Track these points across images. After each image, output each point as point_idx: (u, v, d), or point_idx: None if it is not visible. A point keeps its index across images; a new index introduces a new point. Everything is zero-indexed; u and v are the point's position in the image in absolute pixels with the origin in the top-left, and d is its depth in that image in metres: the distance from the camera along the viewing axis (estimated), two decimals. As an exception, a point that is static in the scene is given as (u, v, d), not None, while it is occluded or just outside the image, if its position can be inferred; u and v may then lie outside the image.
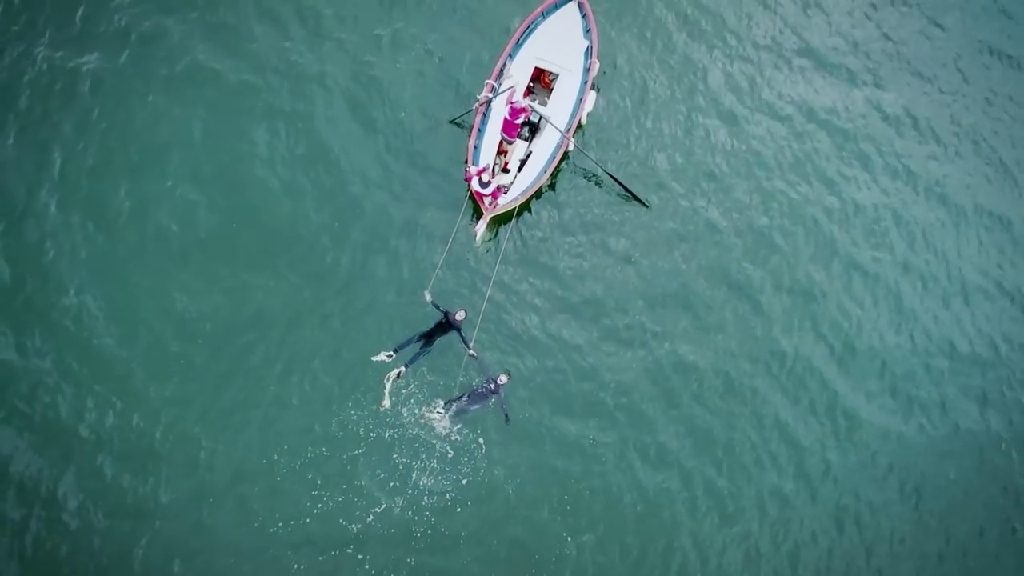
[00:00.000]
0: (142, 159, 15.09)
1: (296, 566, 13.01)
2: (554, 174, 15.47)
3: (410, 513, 13.45)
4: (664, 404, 14.79)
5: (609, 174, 15.39)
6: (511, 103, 14.78)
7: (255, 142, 15.46)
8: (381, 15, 16.56)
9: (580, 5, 15.78)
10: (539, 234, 15.54)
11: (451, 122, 15.58)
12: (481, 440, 13.92)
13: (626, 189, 15.36)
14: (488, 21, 16.60)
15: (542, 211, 15.63)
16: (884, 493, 14.53)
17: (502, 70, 15.42)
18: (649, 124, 16.36)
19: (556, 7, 15.80)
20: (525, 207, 15.29)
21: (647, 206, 15.61)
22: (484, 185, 14.47)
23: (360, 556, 13.16)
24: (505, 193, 14.77)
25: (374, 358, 13.45)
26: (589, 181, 15.86)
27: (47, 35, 15.64)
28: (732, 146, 16.47)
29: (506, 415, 13.46)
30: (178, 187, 14.95)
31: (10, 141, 14.88)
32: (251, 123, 15.62)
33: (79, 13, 15.83)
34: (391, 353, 13.38)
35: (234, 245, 14.80)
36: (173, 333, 14.23)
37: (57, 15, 15.76)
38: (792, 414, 14.76)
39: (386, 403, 13.37)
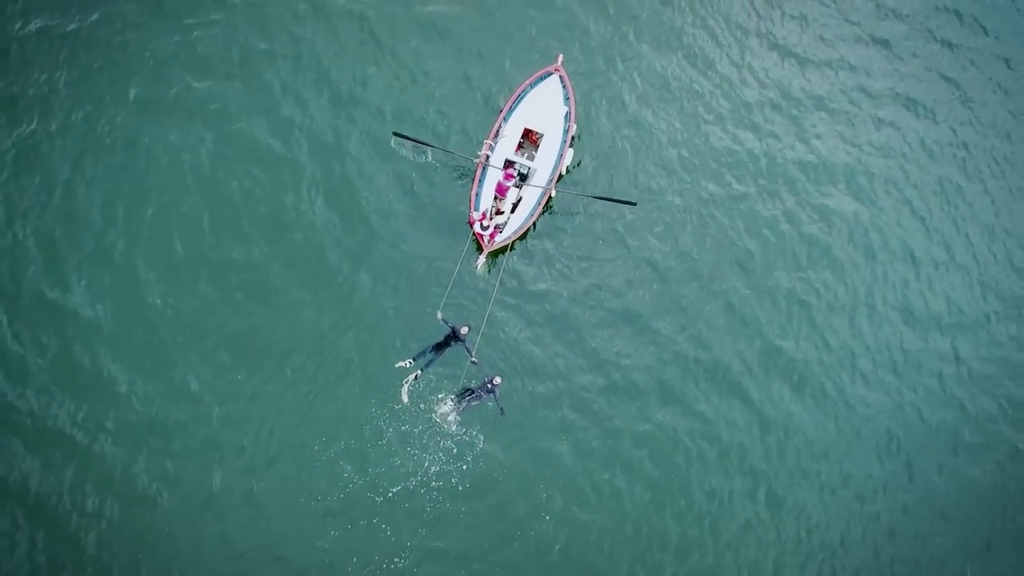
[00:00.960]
0: (186, 216, 17.18)
1: (332, 532, 15.25)
2: (541, 213, 17.77)
3: (422, 492, 15.59)
4: (642, 401, 16.89)
5: (591, 196, 17.54)
6: (504, 172, 17.24)
7: (296, 190, 17.61)
8: (389, 99, 18.68)
9: (561, 78, 18.21)
10: (529, 262, 17.67)
11: (434, 147, 17.67)
12: (481, 434, 16.00)
13: (609, 199, 17.36)
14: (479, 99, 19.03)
15: (532, 244, 17.81)
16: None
17: (498, 131, 17.76)
18: (615, 164, 18.83)
19: (541, 79, 18.23)
20: (518, 241, 17.53)
21: (634, 204, 17.60)
22: (484, 228, 16.88)
23: (383, 526, 15.37)
24: (501, 232, 17.06)
25: (397, 364, 15.74)
26: (570, 217, 18.05)
27: (109, 109, 17.80)
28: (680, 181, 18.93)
29: (501, 409, 15.61)
30: (221, 236, 17.08)
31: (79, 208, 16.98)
32: (287, 177, 17.66)
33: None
34: (410, 360, 15.71)
35: (276, 277, 16.88)
36: (219, 345, 16.24)
37: (113, 89, 17.99)
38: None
39: (404, 399, 15.70)
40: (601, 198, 17.52)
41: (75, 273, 16.57)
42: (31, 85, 17.83)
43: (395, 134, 17.58)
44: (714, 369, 17.51)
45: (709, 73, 20.27)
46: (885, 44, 21.24)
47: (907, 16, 21.53)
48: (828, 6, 21.50)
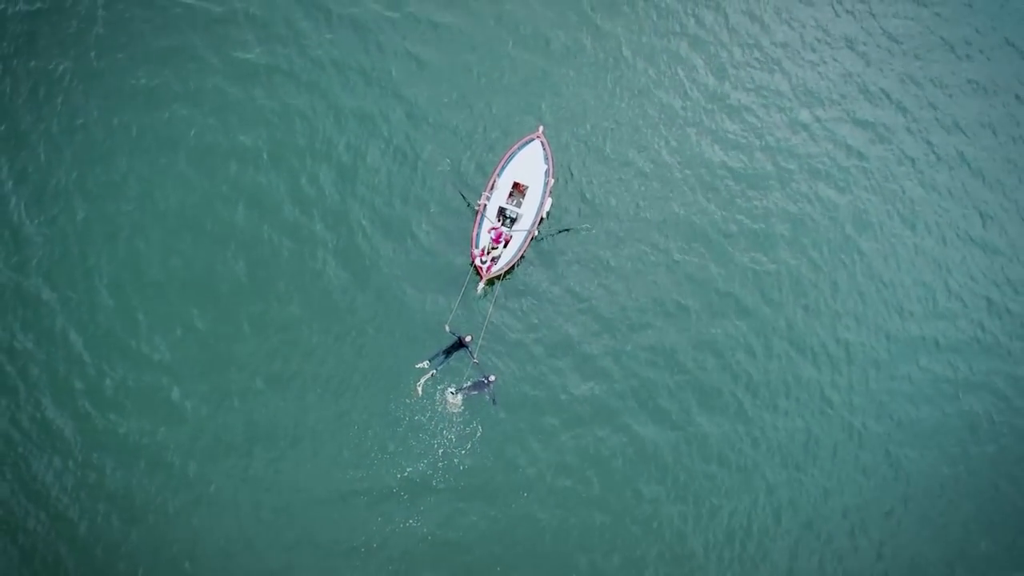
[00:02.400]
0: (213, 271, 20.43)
1: (360, 500, 18.74)
2: (528, 248, 21.45)
3: (430, 472, 19.05)
4: (618, 396, 20.15)
5: (558, 231, 21.52)
6: (496, 232, 21.13)
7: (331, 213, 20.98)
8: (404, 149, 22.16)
9: (542, 143, 22.29)
10: (519, 286, 21.06)
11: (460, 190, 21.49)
12: (479, 427, 19.48)
13: (570, 228, 21.52)
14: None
15: (522, 271, 21.37)
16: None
17: (493, 183, 21.74)
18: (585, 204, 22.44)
19: (527, 143, 22.26)
20: (509, 270, 21.11)
21: (591, 229, 21.39)
22: (482, 261, 20.74)
23: (403, 495, 18.91)
24: (496, 263, 21.06)
25: (416, 364, 19.32)
26: (550, 251, 21.57)
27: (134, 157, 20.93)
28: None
29: (493, 400, 19.22)
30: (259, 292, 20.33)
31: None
32: (312, 204, 21.02)
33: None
34: (427, 361, 19.34)
35: (315, 298, 20.22)
36: (261, 358, 19.57)
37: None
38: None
39: (419, 391, 19.27)
40: (563, 230, 21.63)
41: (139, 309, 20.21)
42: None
43: (452, 184, 21.78)
44: (678, 361, 21.11)
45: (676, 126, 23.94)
46: (807, 125, 24.33)
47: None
48: (776, 91, 24.60)
